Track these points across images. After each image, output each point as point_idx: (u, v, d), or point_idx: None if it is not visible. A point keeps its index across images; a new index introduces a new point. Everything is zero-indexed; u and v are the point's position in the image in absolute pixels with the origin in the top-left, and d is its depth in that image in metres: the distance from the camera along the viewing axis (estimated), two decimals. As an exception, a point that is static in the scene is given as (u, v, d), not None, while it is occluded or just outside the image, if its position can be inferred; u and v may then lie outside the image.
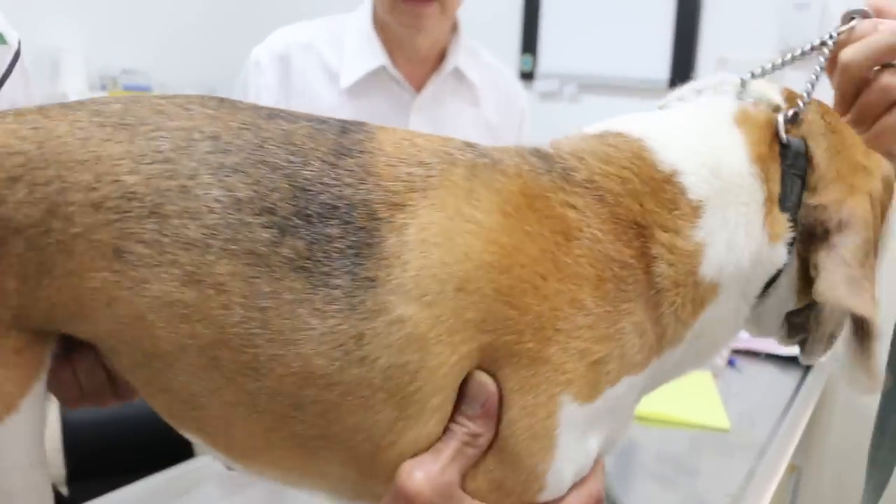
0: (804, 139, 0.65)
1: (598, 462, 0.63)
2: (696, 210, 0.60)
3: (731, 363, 1.91)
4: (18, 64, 0.89)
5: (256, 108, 0.60)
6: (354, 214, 0.55)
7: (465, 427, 0.56)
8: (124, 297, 0.54)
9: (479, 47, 1.71)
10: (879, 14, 0.72)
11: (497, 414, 0.56)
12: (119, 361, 0.58)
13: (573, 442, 0.58)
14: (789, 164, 0.64)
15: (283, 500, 1.21)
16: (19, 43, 0.90)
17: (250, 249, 0.53)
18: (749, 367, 1.91)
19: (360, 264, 0.54)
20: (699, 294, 0.61)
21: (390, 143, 0.59)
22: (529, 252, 0.56)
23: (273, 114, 0.60)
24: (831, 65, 0.73)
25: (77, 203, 0.54)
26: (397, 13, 1.48)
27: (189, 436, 0.60)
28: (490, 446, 0.57)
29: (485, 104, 1.66)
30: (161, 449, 1.85)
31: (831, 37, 0.73)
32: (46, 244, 0.54)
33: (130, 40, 3.24)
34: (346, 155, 0.57)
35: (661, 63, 2.67)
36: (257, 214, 0.54)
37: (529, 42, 2.93)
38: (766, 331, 0.70)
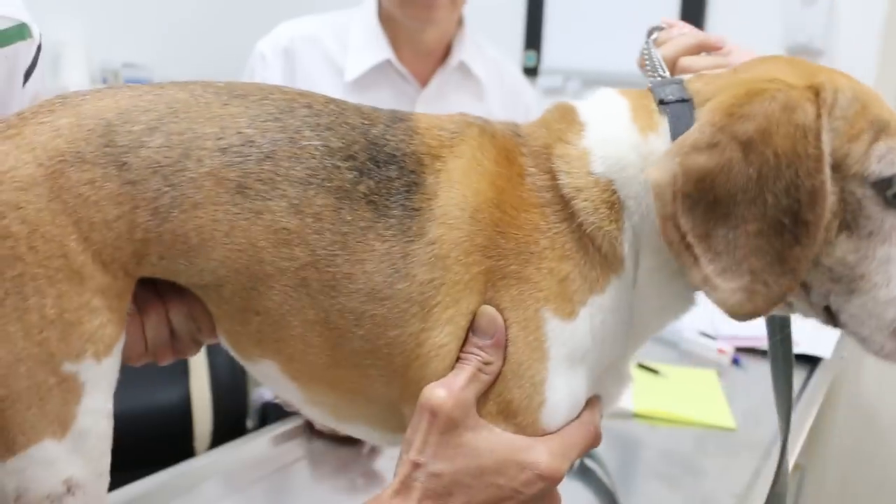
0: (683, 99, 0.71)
1: (593, 400, 0.73)
2: (583, 125, 0.72)
3: (735, 362, 1.90)
4: (41, 57, 0.91)
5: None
6: (407, 161, 0.69)
7: (479, 355, 0.66)
8: (242, 226, 0.65)
9: (483, 42, 1.70)
10: (670, 26, 0.95)
11: (504, 344, 0.67)
12: (221, 292, 0.68)
13: (564, 361, 0.68)
14: (664, 101, 0.70)
15: (285, 499, 1.20)
16: (41, 37, 0.91)
17: (339, 186, 0.67)
18: (753, 365, 1.90)
19: (410, 198, 0.68)
20: (604, 195, 0.69)
21: (424, 117, 0.74)
22: (509, 190, 0.69)
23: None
24: (644, 67, 0.87)
25: (208, 148, 0.66)
26: (408, 6, 1.47)
27: (267, 361, 0.71)
28: (504, 374, 0.67)
29: (489, 99, 1.66)
30: (163, 447, 1.84)
31: (647, 45, 0.90)
32: (181, 181, 0.65)
33: (131, 34, 3.23)
34: (399, 120, 0.73)
35: (665, 59, 2.66)
36: (344, 160, 0.68)
37: (533, 38, 2.91)
38: None
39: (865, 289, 0.65)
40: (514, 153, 0.71)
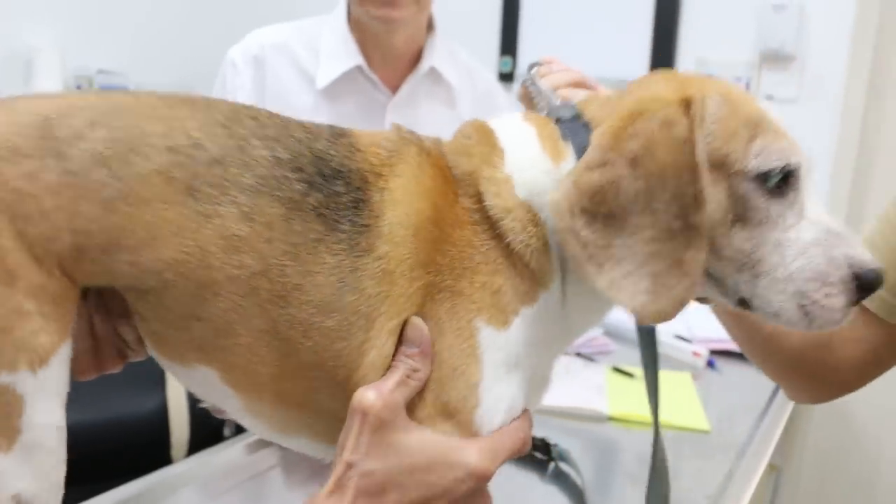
0: (578, 116, 0.77)
1: (525, 412, 0.76)
2: (503, 151, 0.75)
3: (710, 364, 1.91)
4: None
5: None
6: (353, 177, 0.71)
7: (407, 363, 0.69)
8: (192, 228, 0.65)
9: (457, 48, 1.70)
10: (549, 62, 1.02)
11: (431, 353, 0.70)
12: (162, 297, 0.67)
13: (498, 366, 0.71)
14: (560, 119, 0.77)
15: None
16: None
17: (290, 197, 0.68)
18: (728, 367, 1.92)
19: (359, 214, 0.69)
20: (528, 216, 0.72)
21: (363, 134, 0.76)
22: (446, 209, 0.72)
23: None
24: (526, 98, 0.97)
25: (155, 146, 0.65)
26: (368, 3, 1.47)
27: (205, 368, 0.70)
28: (431, 379, 0.70)
29: (461, 105, 1.65)
30: (140, 455, 1.83)
31: (530, 77, 0.97)
32: (128, 174, 0.64)
33: (106, 40, 3.21)
34: (340, 136, 0.74)
35: (640, 64, 2.67)
36: (293, 171, 0.69)
37: (509, 44, 2.92)
38: None
39: (766, 271, 0.71)
40: (447, 172, 0.75)
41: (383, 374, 0.69)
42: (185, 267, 0.65)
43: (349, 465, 0.67)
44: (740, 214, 0.71)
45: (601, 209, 0.67)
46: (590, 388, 1.69)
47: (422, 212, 0.71)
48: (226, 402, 0.73)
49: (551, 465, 1.35)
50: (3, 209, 0.61)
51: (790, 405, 1.75)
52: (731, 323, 1.12)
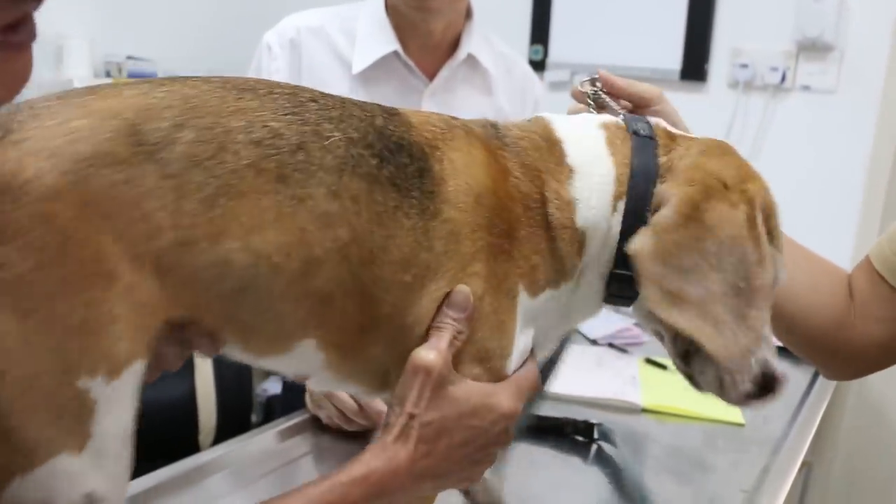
0: (651, 137, 0.86)
1: (531, 357, 0.87)
2: (571, 172, 0.83)
3: (743, 357, 1.89)
4: None
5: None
6: (413, 150, 0.77)
7: (454, 326, 0.77)
8: (289, 212, 0.70)
9: (493, 37, 1.69)
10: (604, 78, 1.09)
11: (472, 318, 0.77)
12: (273, 285, 0.71)
13: (522, 324, 0.82)
14: (636, 147, 0.85)
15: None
16: None
17: (367, 172, 0.73)
18: (762, 361, 1.89)
19: (424, 182, 0.76)
20: (577, 237, 0.83)
21: (412, 113, 0.83)
22: (500, 182, 0.80)
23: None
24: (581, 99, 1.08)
25: (241, 142, 0.69)
26: None
27: (307, 340, 0.75)
28: (482, 328, 0.79)
29: (498, 92, 1.64)
30: (167, 442, 1.84)
31: (593, 84, 1.06)
32: (223, 172, 0.67)
33: (136, 27, 3.22)
34: (392, 114, 0.80)
35: (673, 53, 2.64)
36: (365, 148, 0.74)
37: (540, 32, 2.90)
38: (644, 318, 0.89)
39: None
40: (496, 154, 0.82)
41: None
42: (291, 247, 0.70)
43: (411, 416, 0.77)
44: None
45: (677, 262, 0.78)
46: (623, 380, 1.68)
47: (480, 182, 0.79)
48: (314, 364, 0.78)
49: (593, 448, 1.35)
50: (103, 215, 0.62)
51: (825, 401, 1.73)
52: None
